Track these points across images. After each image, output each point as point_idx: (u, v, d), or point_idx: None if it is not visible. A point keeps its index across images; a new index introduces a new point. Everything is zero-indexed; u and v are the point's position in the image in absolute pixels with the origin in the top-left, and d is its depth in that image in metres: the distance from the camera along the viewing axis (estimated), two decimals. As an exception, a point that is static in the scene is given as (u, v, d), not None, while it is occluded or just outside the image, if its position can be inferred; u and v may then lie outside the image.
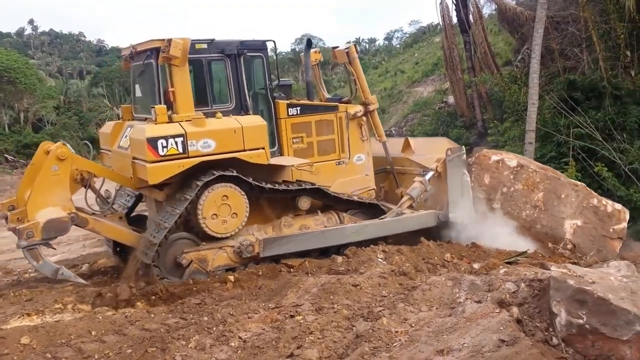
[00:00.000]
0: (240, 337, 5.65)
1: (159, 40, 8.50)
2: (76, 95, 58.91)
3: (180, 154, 8.08)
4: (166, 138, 7.99)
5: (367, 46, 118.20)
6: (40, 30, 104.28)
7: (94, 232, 8.92)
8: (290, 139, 9.62)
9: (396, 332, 5.14)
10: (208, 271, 8.49)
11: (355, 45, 10.65)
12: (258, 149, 8.61)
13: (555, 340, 4.67)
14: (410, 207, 9.91)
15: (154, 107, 8.34)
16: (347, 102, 10.77)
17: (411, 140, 11.46)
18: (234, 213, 8.51)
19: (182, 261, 8.36)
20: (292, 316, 6.07)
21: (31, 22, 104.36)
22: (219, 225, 8.47)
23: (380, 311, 5.74)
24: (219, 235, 8.50)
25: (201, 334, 5.86)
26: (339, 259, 8.68)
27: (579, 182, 11.06)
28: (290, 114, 9.59)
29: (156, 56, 8.55)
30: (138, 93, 9.81)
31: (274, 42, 9.59)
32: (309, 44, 11.11)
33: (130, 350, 5.62)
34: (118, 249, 9.86)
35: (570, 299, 4.65)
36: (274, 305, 6.66)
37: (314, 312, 6.12)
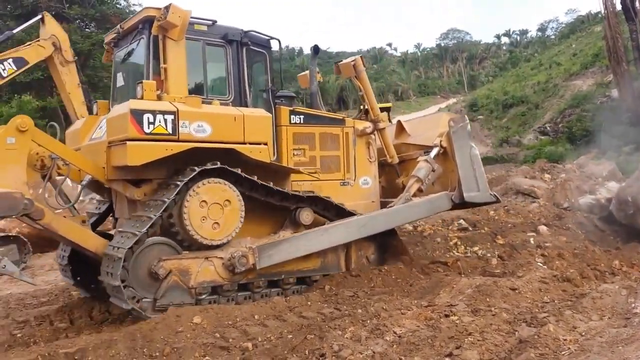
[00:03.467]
0: (394, 332, 5.65)
1: (154, 8, 7.45)
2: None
3: (169, 134, 6.83)
4: (154, 113, 6.77)
5: (518, 38, 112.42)
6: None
7: (49, 230, 6.90)
8: (291, 149, 8.40)
9: (564, 339, 4.83)
10: (189, 287, 6.98)
11: (361, 57, 9.55)
12: (260, 143, 7.49)
13: None
14: (420, 191, 8.79)
15: (140, 83, 7.12)
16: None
17: (404, 123, 10.35)
18: (228, 215, 7.18)
19: (159, 270, 6.77)
20: (446, 316, 5.97)
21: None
22: (209, 230, 7.08)
23: (545, 317, 5.44)
24: (208, 242, 7.08)
25: (356, 325, 5.97)
26: (494, 260, 8.35)
27: None
28: (292, 121, 8.42)
29: (149, 28, 7.41)
30: (120, 82, 8.39)
31: (278, 41, 8.64)
32: (316, 51, 9.91)
33: (291, 336, 5.87)
34: (78, 278, 8.27)
35: None
36: (427, 303, 6.60)
37: (470, 313, 5.97)
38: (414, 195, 8.66)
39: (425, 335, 5.47)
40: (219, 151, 7.14)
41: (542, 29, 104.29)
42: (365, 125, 9.07)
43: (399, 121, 10.29)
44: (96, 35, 30.92)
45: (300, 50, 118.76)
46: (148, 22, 7.45)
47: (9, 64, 8.29)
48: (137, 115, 6.67)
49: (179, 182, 6.87)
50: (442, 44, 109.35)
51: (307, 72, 9.73)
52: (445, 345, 5.18)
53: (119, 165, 6.91)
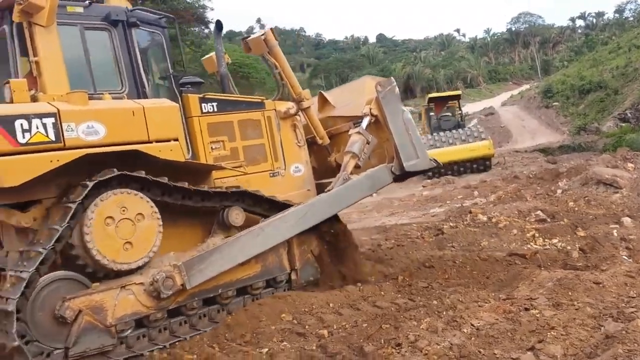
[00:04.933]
0: (472, 325, 5.57)
1: None
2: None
3: (51, 142, 5.47)
4: (28, 118, 5.37)
5: (594, 21, 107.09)
6: (266, 28, 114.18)
7: None
8: (208, 143, 7.18)
9: (655, 336, 4.59)
10: (108, 326, 5.71)
11: (272, 29, 8.33)
12: (170, 139, 6.25)
13: None
14: (357, 167, 7.85)
15: (8, 82, 5.82)
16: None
17: (326, 94, 9.33)
18: (142, 230, 5.93)
19: (65, 313, 5.46)
20: (526, 309, 5.82)
21: (258, 20, 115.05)
22: (121, 252, 5.79)
23: (632, 312, 5.20)
24: (122, 267, 5.81)
25: (432, 316, 5.94)
26: (575, 253, 8.03)
27: None
28: (204, 111, 7.20)
29: (10, 15, 6.12)
30: None
31: (173, 18, 7.68)
32: (219, 27, 8.67)
33: (366, 325, 5.92)
34: None
35: None
36: (505, 296, 6.46)
37: (552, 307, 5.78)
38: (352, 173, 7.79)
39: (505, 329, 5.36)
40: (120, 155, 5.87)
41: (619, 10, 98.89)
42: (287, 106, 8.04)
43: (320, 93, 9.33)
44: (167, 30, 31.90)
45: (366, 39, 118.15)
46: (8, 9, 6.14)
47: None
48: (6, 123, 5.26)
49: (70, 204, 5.54)
50: (513, 29, 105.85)
51: (212, 54, 8.56)
52: (526, 339, 5.06)
53: None
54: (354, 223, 14.54)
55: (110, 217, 5.74)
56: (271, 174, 7.77)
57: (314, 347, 5.63)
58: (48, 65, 6.04)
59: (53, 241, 5.41)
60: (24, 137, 5.33)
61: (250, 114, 7.65)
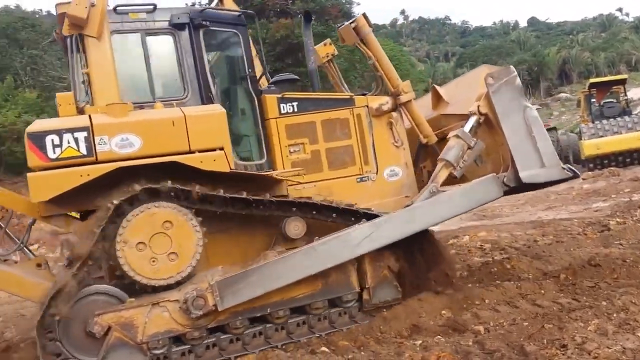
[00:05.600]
0: (649, 329, 5.12)
1: (66, 3, 5.99)
2: (442, 77, 62.26)
3: (83, 156, 5.45)
4: (59, 133, 5.39)
5: None
6: (410, 19, 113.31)
7: None
8: (286, 146, 6.69)
9: None
10: (139, 343, 5.63)
11: (364, 15, 7.31)
12: (213, 149, 5.84)
13: None
14: (454, 178, 6.72)
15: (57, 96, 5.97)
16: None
17: (440, 89, 8.02)
18: (177, 248, 5.68)
19: (94, 329, 5.52)
20: None
21: (402, 12, 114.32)
22: (148, 266, 5.60)
23: None
24: (156, 282, 5.67)
25: (600, 318, 5.55)
26: None
27: None
28: (283, 111, 6.70)
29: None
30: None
31: (253, 15, 7.09)
32: (307, 19, 7.94)
33: (527, 324, 5.69)
34: None
35: None
36: (686, 299, 5.83)
37: None
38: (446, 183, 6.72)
39: (688, 335, 4.86)
40: (158, 167, 5.66)
41: None
42: (380, 101, 7.13)
43: (433, 87, 8.24)
44: (315, 27, 32.99)
45: (516, 24, 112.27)
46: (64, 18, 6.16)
47: None
48: (37, 139, 5.35)
49: (96, 227, 5.49)
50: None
51: (319, 45, 7.80)
52: None
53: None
54: (505, 217, 13.99)
55: (142, 231, 5.59)
56: (359, 179, 6.98)
57: (470, 343, 5.53)
58: (98, 76, 5.94)
59: (93, 243, 5.48)
60: (54, 152, 5.39)
61: (336, 113, 6.96)
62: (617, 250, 8.42)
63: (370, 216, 6.41)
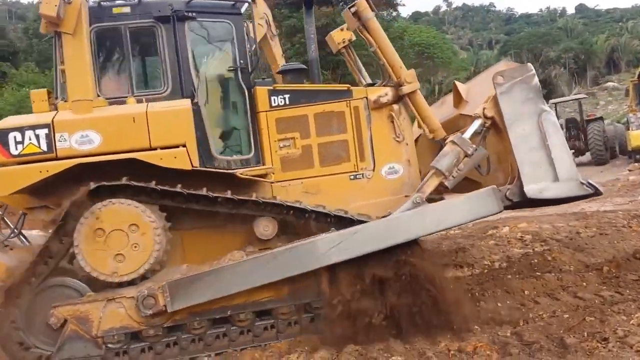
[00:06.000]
0: (695, 324, 4.99)
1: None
2: (485, 65, 60.97)
3: (43, 152, 5.59)
4: (22, 130, 5.58)
5: None
6: (453, 6, 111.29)
7: None
8: (276, 141, 6.43)
9: None
10: (94, 337, 5.70)
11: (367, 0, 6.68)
12: (176, 146, 5.76)
13: None
14: (443, 187, 6.11)
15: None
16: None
17: (461, 86, 7.37)
18: (135, 244, 5.67)
19: (51, 320, 5.69)
20: None
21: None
22: (112, 264, 5.64)
23: None
24: (113, 279, 5.69)
25: (644, 312, 5.42)
26: None
27: None
28: (274, 104, 6.41)
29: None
30: None
31: (248, 2, 6.81)
32: (308, 4, 7.46)
33: (567, 316, 5.61)
34: None
35: None
36: None
37: None
38: (437, 192, 6.17)
39: None
40: (119, 164, 5.68)
41: None
42: (379, 92, 6.62)
43: (454, 84, 7.58)
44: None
45: (563, 11, 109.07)
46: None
47: None
48: (2, 136, 5.58)
49: (52, 224, 5.73)
50: None
51: (334, 32, 7.39)
52: None
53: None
54: (547, 208, 13.66)
55: (100, 229, 5.63)
56: (352, 176, 6.54)
57: (508, 334, 5.49)
58: (72, 72, 5.96)
59: (39, 250, 5.73)
60: (16, 149, 5.58)
61: (331, 105, 6.55)
62: (664, 243, 8.19)
63: (342, 220, 6.00)
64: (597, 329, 5.18)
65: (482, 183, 6.38)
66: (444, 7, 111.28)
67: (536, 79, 6.10)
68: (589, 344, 4.91)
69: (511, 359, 4.79)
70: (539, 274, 7.13)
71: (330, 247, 5.70)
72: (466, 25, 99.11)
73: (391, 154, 6.64)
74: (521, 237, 9.63)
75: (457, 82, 7.64)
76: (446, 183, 6.03)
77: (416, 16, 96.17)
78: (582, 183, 5.91)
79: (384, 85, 6.79)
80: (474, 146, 6.01)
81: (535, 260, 7.79)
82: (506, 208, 6.13)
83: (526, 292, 6.41)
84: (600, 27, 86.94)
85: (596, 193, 6.08)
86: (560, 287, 6.52)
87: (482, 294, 6.57)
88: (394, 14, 38.93)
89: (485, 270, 7.85)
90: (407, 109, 6.68)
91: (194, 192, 5.77)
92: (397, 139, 6.63)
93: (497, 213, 6.07)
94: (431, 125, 6.73)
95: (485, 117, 6.10)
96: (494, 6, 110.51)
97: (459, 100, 7.27)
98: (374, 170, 6.58)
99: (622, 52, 69.99)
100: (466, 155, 6.00)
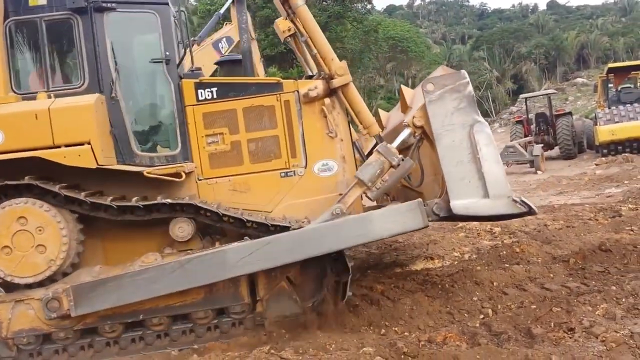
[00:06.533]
0: (657, 314, 5.12)
1: None
2: (458, 60, 61.58)
3: None
4: None
5: None
6: (427, 0, 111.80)
7: None
8: (203, 137, 6.18)
9: None
10: (4, 338, 5.64)
11: None
12: (81, 143, 5.50)
13: None
14: (390, 196, 5.82)
15: None
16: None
17: (407, 91, 7.06)
18: (41, 244, 5.53)
19: None
20: None
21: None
22: (18, 264, 5.54)
23: None
24: (20, 280, 5.58)
25: (609, 303, 5.56)
26: None
27: None
28: (201, 98, 6.16)
29: None
30: None
31: None
32: None
33: (534, 307, 5.70)
34: None
35: None
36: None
37: None
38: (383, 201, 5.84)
39: (697, 321, 4.85)
40: (20, 162, 5.47)
41: None
42: (309, 86, 6.29)
43: (400, 88, 7.15)
44: (332, 7, 32.74)
45: (535, 7, 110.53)
46: None
47: (224, 42, 9.29)
48: None
49: None
50: None
51: (282, 18, 6.90)
52: None
53: None
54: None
55: (5, 229, 5.52)
56: (283, 174, 6.27)
57: (477, 325, 5.56)
58: None
59: None
60: None
61: (260, 99, 6.25)
62: (628, 236, 8.36)
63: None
64: (564, 319, 5.26)
65: (424, 193, 6.13)
66: (418, 1, 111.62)
67: (470, 87, 5.71)
68: (556, 334, 4.99)
69: (480, 349, 4.82)
70: (507, 265, 7.24)
71: (241, 258, 5.44)
72: (440, 19, 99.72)
73: (324, 150, 6.34)
74: (490, 229, 9.76)
75: (403, 87, 7.31)
76: (369, 194, 5.78)
77: (390, 9, 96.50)
78: (515, 200, 5.47)
79: (318, 78, 6.45)
80: (400, 156, 5.71)
81: (504, 252, 7.90)
82: (433, 221, 5.79)
83: (495, 283, 6.48)
84: (570, 24, 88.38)
85: (530, 212, 5.59)
86: (528, 279, 6.61)
87: (452, 285, 6.62)
88: (369, 6, 38.98)
89: (456, 262, 7.93)
90: (341, 103, 6.37)
91: (95, 200, 5.62)
92: (330, 135, 6.33)
93: (422, 228, 5.73)
94: (364, 120, 6.41)
95: (415, 126, 5.77)
96: (468, 1, 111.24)
97: (405, 106, 6.95)
98: (306, 167, 6.30)
99: (591, 49, 71.33)
100: (391, 166, 5.72)
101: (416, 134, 5.82)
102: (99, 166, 5.56)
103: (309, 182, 6.27)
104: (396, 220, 5.58)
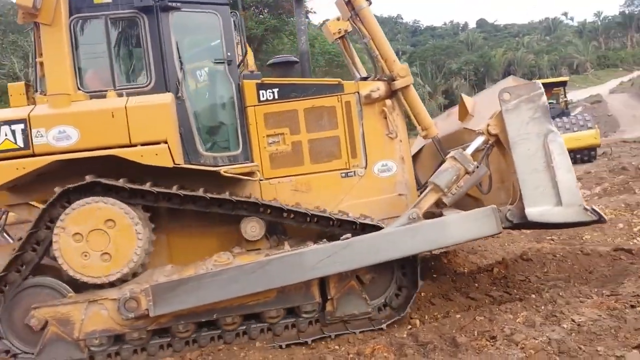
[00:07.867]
0: (573, 320, 5.32)
1: None
2: (392, 75, 62.66)
3: (19, 149, 5.33)
4: None
5: None
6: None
7: None
8: (264, 137, 6.31)
9: None
10: (75, 340, 5.54)
11: None
12: (158, 142, 5.50)
13: None
14: (442, 204, 5.98)
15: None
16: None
17: (467, 99, 7.11)
18: (117, 242, 5.49)
19: (31, 322, 5.48)
20: (632, 306, 5.47)
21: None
22: (97, 265, 5.48)
23: None
24: (97, 280, 5.51)
25: (529, 310, 5.73)
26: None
27: None
28: (262, 99, 6.28)
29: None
30: None
31: None
32: None
33: (459, 316, 5.83)
34: None
35: None
36: (609, 292, 6.09)
37: (661, 305, 5.41)
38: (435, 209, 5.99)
39: (608, 326, 5.08)
40: (97, 160, 5.45)
41: None
42: (371, 87, 6.45)
43: (461, 97, 7.22)
44: (269, 21, 32.79)
45: (465, 25, 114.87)
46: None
47: None
48: None
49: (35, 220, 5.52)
50: (627, 11, 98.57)
51: (329, 21, 7.21)
52: (631, 337, 4.77)
53: None
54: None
55: (78, 232, 5.44)
56: (343, 174, 6.42)
57: (405, 335, 5.63)
58: (51, 64, 5.76)
59: (28, 240, 5.53)
60: None
61: (321, 100, 6.40)
62: (549, 245, 8.76)
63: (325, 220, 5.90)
64: (487, 327, 5.39)
65: (482, 200, 6.22)
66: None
67: (544, 98, 5.86)
68: (479, 342, 5.10)
69: (406, 359, 4.90)
70: (435, 276, 7.41)
71: (319, 260, 5.54)
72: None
73: (384, 151, 6.50)
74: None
75: (463, 95, 7.28)
76: (444, 200, 5.84)
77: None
78: (586, 209, 5.65)
79: (377, 80, 6.61)
80: (475, 163, 5.79)
81: (432, 263, 8.09)
82: (505, 228, 5.94)
83: (423, 293, 6.60)
84: (498, 42, 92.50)
85: (599, 220, 5.76)
86: (454, 288, 6.79)
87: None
88: (306, 21, 39.27)
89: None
90: (400, 104, 6.54)
91: (164, 190, 5.59)
92: (390, 136, 6.50)
93: (496, 234, 5.92)
94: (424, 122, 6.64)
95: (489, 134, 5.87)
96: (402, 18, 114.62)
97: (464, 113, 6.97)
98: (366, 167, 6.48)
99: (517, 66, 74.84)
100: (467, 172, 5.80)
101: (489, 142, 5.91)
102: (175, 165, 5.53)
103: (368, 182, 6.44)
104: (471, 225, 5.70)
